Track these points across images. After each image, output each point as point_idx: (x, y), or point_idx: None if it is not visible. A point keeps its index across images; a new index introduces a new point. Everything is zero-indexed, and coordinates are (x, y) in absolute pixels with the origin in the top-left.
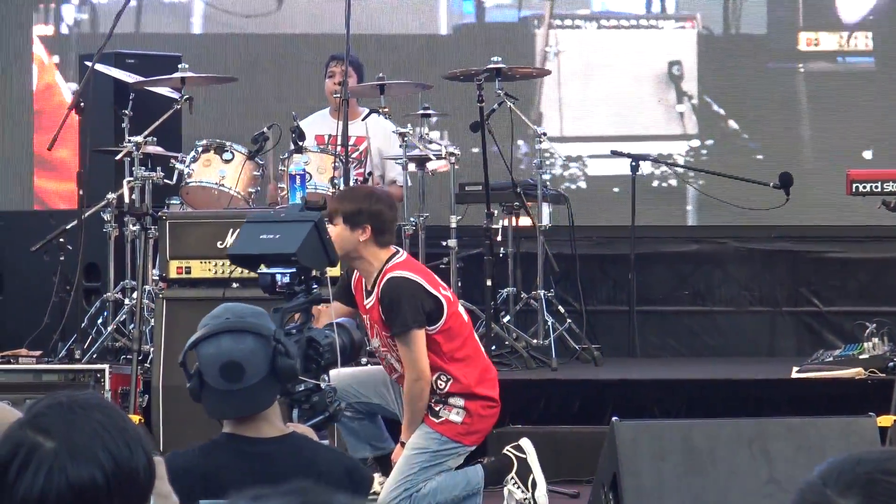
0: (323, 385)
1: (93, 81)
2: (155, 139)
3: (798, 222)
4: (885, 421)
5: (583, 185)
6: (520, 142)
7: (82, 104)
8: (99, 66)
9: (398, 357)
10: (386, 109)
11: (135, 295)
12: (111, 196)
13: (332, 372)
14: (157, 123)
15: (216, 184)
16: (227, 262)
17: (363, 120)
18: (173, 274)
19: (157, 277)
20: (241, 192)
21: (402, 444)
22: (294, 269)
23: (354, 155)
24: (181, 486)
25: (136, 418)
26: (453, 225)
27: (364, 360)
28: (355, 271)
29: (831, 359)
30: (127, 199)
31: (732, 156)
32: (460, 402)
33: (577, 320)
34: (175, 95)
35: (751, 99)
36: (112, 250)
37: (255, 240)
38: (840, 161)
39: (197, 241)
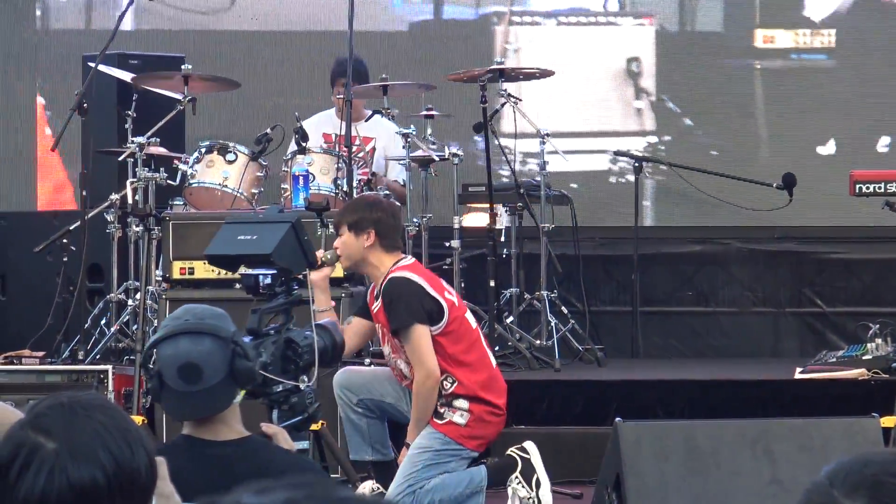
0: (302, 386)
1: (95, 82)
2: (158, 140)
3: (800, 223)
4: (888, 421)
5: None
6: (476, 137)
7: (85, 105)
8: (102, 67)
9: (407, 360)
10: (389, 111)
11: (138, 296)
12: (114, 197)
13: (354, 368)
14: (160, 124)
15: (219, 184)
16: None
17: (366, 121)
18: (176, 275)
19: (160, 278)
20: (244, 193)
21: (408, 446)
22: (275, 271)
23: (360, 155)
24: None
25: (138, 419)
26: (456, 226)
27: (367, 360)
28: (371, 285)
29: (834, 359)
30: (130, 200)
31: (689, 153)
32: (465, 404)
33: (581, 321)
34: (178, 96)
35: (708, 96)
36: (115, 251)
37: (233, 240)
38: (796, 157)
39: (200, 242)
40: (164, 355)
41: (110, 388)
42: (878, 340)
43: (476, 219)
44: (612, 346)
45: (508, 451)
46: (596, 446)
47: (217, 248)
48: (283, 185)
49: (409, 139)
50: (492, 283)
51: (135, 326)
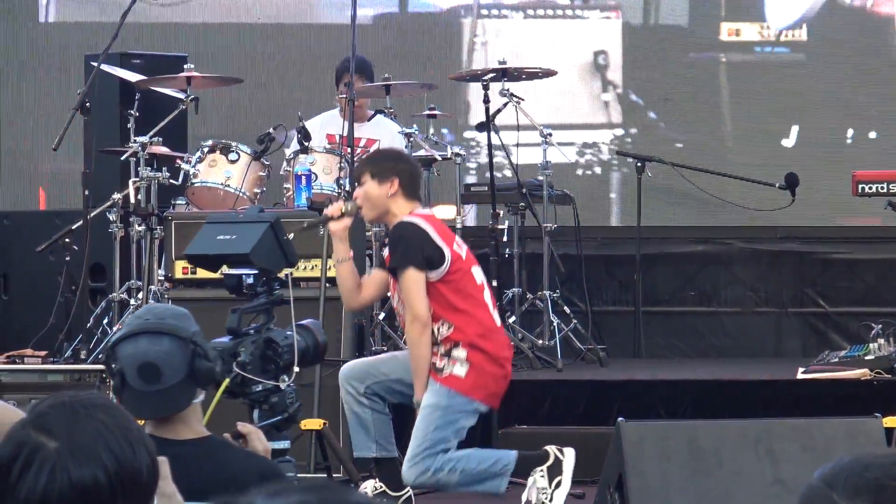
0: (282, 385)
1: (98, 81)
2: (161, 139)
3: (801, 223)
4: (890, 422)
5: (508, 172)
6: (444, 129)
7: (88, 104)
8: (105, 66)
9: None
10: (391, 110)
11: (140, 295)
12: (117, 196)
13: (357, 360)
14: (162, 123)
15: (222, 184)
16: None
17: (369, 121)
18: (179, 274)
19: (162, 278)
20: (246, 193)
21: (417, 406)
22: (257, 271)
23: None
24: None
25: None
26: (458, 225)
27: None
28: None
29: (837, 360)
30: (132, 200)
31: (655, 145)
32: (462, 353)
33: (583, 321)
34: (181, 95)
35: (673, 88)
36: (118, 250)
37: (213, 240)
38: (760, 150)
39: None
40: (125, 354)
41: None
42: (881, 340)
43: (443, 212)
44: (614, 346)
45: (548, 447)
46: (598, 446)
47: (196, 247)
48: (285, 185)
49: (411, 139)
50: (494, 283)
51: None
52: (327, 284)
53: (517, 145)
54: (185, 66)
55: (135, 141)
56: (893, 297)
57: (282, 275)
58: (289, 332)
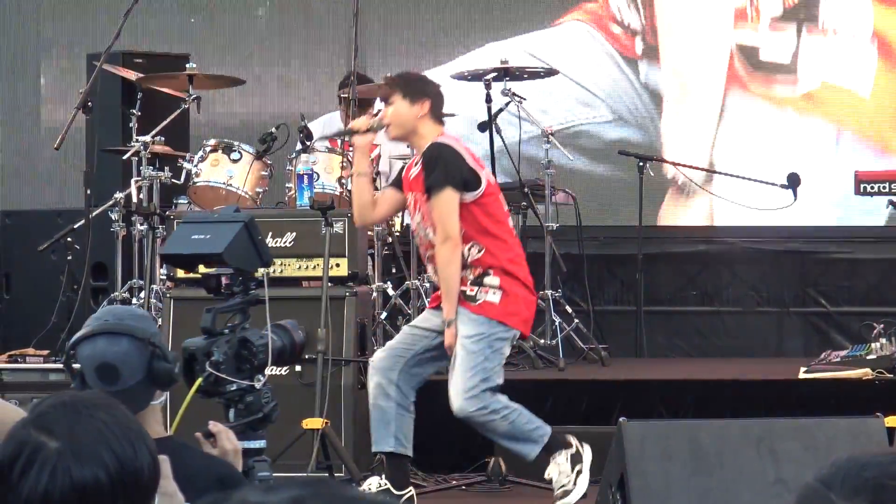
0: (257, 385)
1: (100, 81)
2: (163, 139)
3: (805, 223)
4: (892, 421)
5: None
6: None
7: (90, 104)
8: (106, 66)
9: (436, 228)
10: None
11: (142, 294)
12: (119, 195)
13: (402, 334)
14: (164, 123)
15: (224, 183)
16: None
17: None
18: (180, 273)
19: (164, 277)
20: (248, 192)
21: (449, 325)
22: (232, 270)
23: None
24: None
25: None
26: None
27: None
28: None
29: (839, 359)
30: (135, 199)
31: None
32: (495, 280)
33: (585, 320)
34: (183, 95)
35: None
36: (120, 250)
37: (187, 240)
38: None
39: None
40: (83, 355)
41: None
42: (883, 340)
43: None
44: (616, 345)
45: (570, 437)
46: (600, 446)
47: (171, 247)
48: (287, 184)
49: None
50: None
51: None
52: (329, 284)
53: (519, 144)
54: (188, 66)
55: (137, 140)
56: (895, 297)
57: (259, 274)
58: (264, 332)
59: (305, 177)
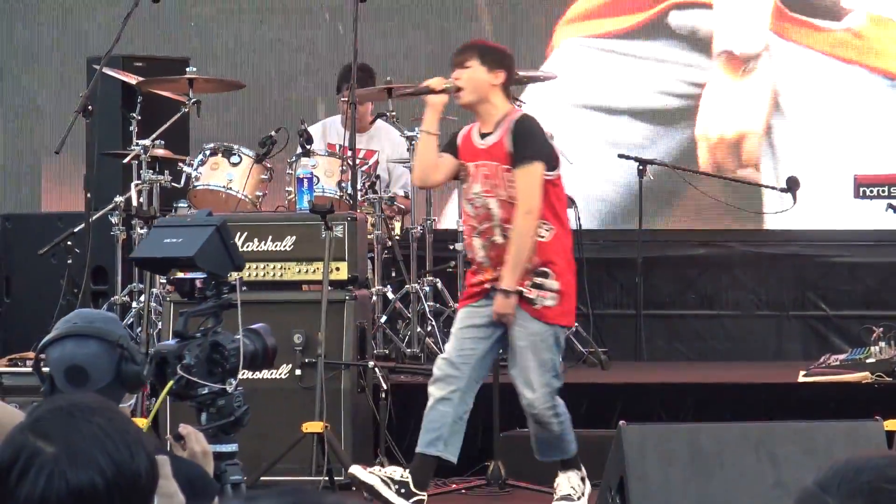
0: (229, 389)
1: (101, 84)
2: (163, 142)
3: (804, 226)
4: (891, 425)
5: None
6: None
7: (90, 107)
8: (107, 69)
9: (500, 199)
10: (393, 113)
11: (142, 298)
12: (119, 199)
13: (457, 340)
14: (164, 127)
15: (224, 187)
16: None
17: (370, 125)
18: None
19: (164, 281)
20: (248, 196)
21: (503, 293)
22: (206, 274)
23: (363, 168)
24: None
25: (143, 422)
26: (461, 229)
27: (371, 363)
28: (463, 128)
29: (838, 363)
30: (135, 203)
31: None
32: (555, 285)
33: (585, 324)
34: (183, 98)
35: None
36: (120, 253)
37: (159, 244)
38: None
39: None
40: (52, 358)
41: None
42: (882, 344)
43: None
44: (615, 349)
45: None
46: (599, 449)
47: (143, 251)
48: (287, 188)
49: (413, 143)
50: None
51: (139, 329)
52: (329, 288)
53: None
54: (188, 69)
55: (137, 144)
56: (894, 301)
57: (233, 278)
58: (236, 336)
59: (305, 180)
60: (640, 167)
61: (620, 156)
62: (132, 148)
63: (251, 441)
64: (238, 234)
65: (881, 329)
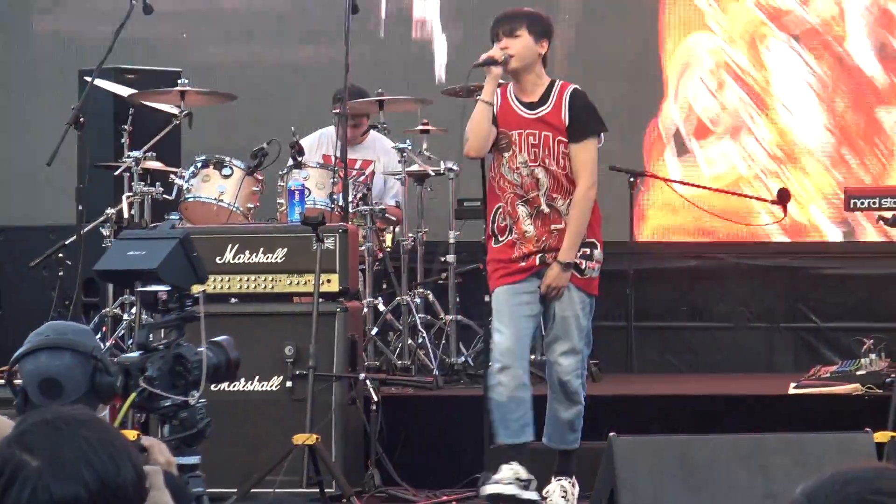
0: (192, 401)
1: (92, 96)
2: (154, 154)
3: (795, 238)
4: (881, 437)
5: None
6: None
7: (81, 119)
8: (98, 81)
9: (548, 169)
10: (385, 125)
11: (133, 310)
12: (110, 211)
13: (511, 330)
14: (156, 139)
15: (215, 199)
16: (226, 278)
17: (362, 136)
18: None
19: None
20: (240, 208)
21: (560, 264)
22: (169, 287)
23: (360, 179)
24: None
25: (132, 434)
26: (452, 241)
27: (362, 375)
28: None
29: (829, 375)
30: (126, 215)
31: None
32: (601, 255)
33: None
34: (174, 111)
35: None
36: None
37: (123, 256)
38: None
39: None
40: (26, 371)
41: None
42: (872, 356)
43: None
44: (606, 361)
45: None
46: (590, 461)
47: (106, 263)
48: (279, 200)
49: (404, 154)
50: (486, 298)
51: (130, 341)
52: (320, 300)
53: None
54: (179, 81)
55: (128, 156)
56: (885, 313)
57: (196, 291)
58: (199, 349)
59: (296, 192)
60: (632, 179)
61: (612, 168)
62: (124, 160)
63: (242, 453)
64: (229, 245)
65: (871, 341)
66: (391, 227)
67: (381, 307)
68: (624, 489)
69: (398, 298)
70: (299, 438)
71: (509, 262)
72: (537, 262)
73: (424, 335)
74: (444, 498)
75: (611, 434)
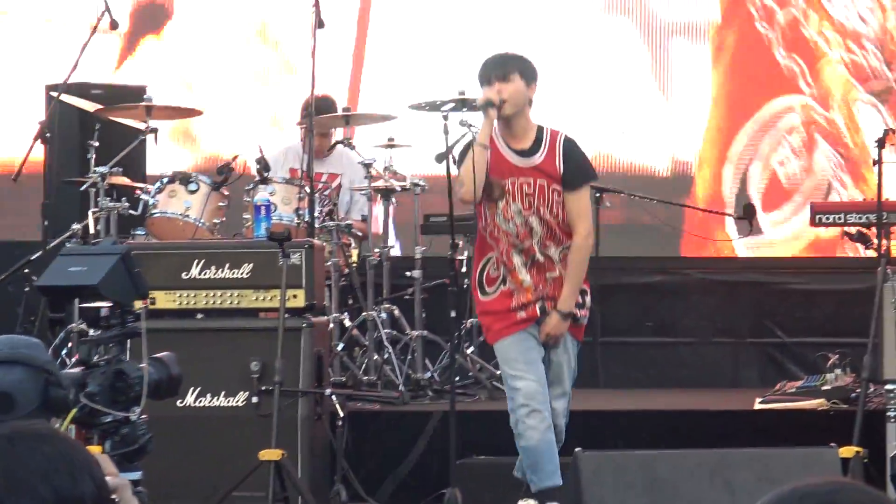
0: (132, 417)
1: (58, 112)
2: (120, 170)
3: (759, 253)
4: (846, 452)
5: None
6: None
7: (48, 134)
8: (64, 97)
9: (542, 218)
10: (350, 140)
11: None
12: (76, 227)
13: (530, 369)
14: (122, 154)
15: (181, 214)
16: (192, 294)
17: (328, 151)
18: (137, 305)
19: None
20: (206, 223)
21: (560, 313)
22: (111, 303)
23: (326, 192)
24: None
25: (96, 448)
26: (418, 256)
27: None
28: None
29: (794, 390)
30: (92, 230)
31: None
32: (589, 301)
33: None
34: (141, 126)
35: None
36: None
37: (64, 272)
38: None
39: (161, 272)
40: None
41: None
42: (838, 371)
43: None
44: None
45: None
46: None
47: (48, 279)
48: (244, 215)
49: (370, 169)
50: (452, 314)
51: (95, 356)
52: (286, 315)
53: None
54: (145, 97)
55: (94, 171)
56: (850, 328)
57: (138, 307)
58: (141, 365)
59: (263, 208)
60: (598, 195)
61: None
62: (90, 175)
63: (207, 469)
64: (195, 261)
65: (837, 356)
66: (357, 242)
67: (347, 322)
68: None
69: (364, 314)
70: (265, 454)
71: (508, 313)
72: (538, 311)
73: (390, 350)
74: None
75: (576, 450)
